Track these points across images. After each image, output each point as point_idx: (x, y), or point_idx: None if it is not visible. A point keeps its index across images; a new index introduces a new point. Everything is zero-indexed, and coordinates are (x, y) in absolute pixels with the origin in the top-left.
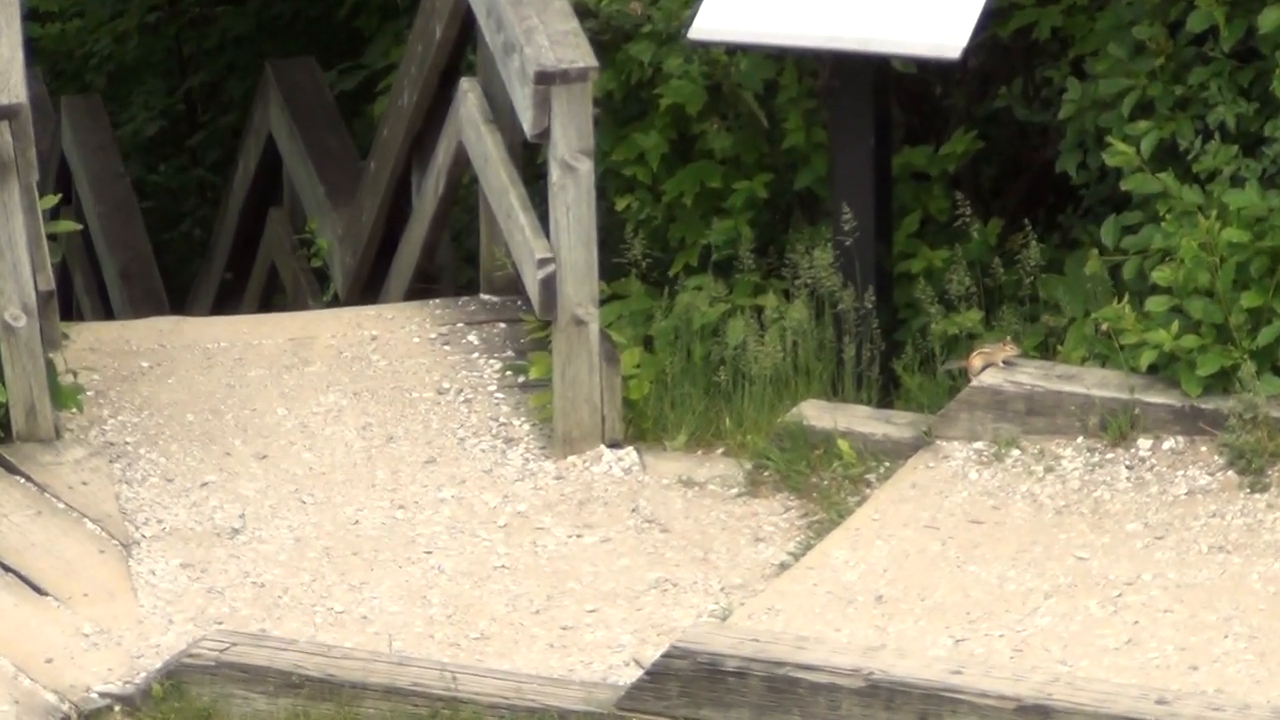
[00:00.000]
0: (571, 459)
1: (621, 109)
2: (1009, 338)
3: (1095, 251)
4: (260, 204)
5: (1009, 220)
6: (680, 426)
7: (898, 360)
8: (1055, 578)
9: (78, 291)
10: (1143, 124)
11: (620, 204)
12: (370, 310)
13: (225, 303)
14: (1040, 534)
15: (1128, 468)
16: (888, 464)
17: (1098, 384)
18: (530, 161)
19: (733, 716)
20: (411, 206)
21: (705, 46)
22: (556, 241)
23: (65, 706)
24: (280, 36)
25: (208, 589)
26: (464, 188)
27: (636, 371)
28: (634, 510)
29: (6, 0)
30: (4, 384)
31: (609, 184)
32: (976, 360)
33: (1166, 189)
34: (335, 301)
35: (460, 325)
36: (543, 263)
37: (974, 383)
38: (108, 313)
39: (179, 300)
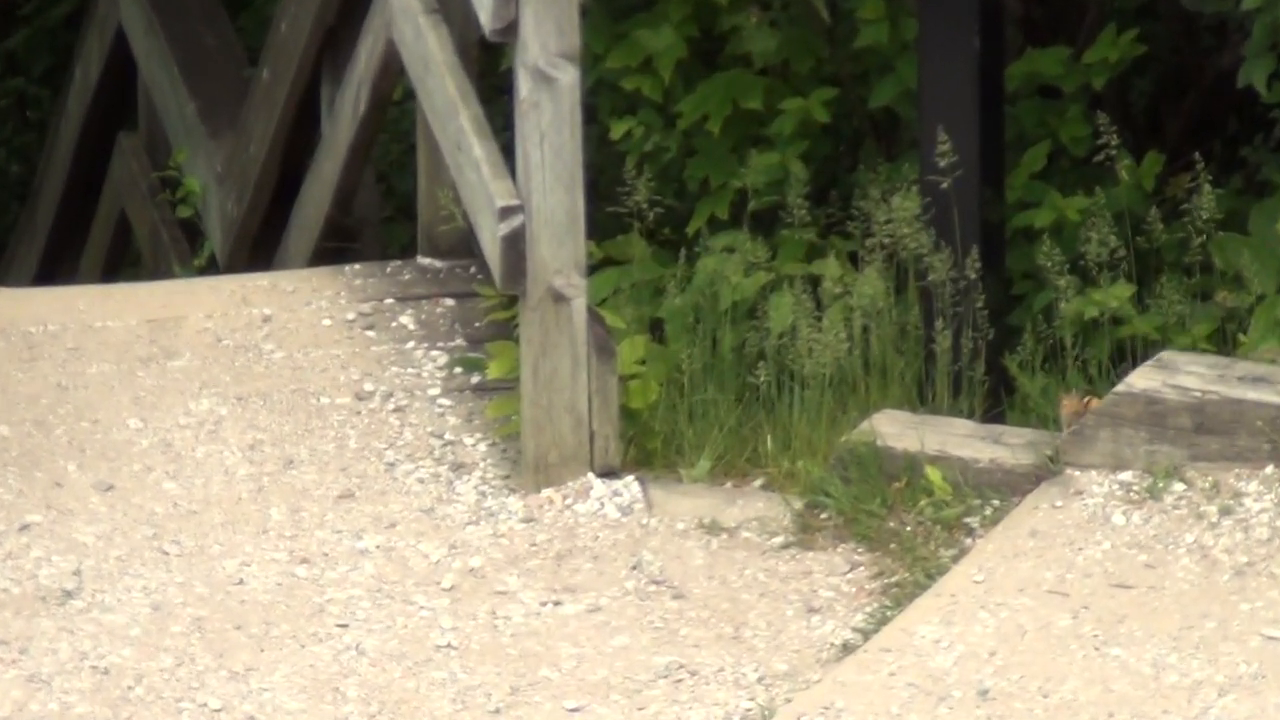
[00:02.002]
0: (547, 493)
1: None
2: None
3: None
4: (105, 128)
5: (1170, 155)
6: (702, 448)
7: (1011, 354)
8: (1234, 665)
9: None
10: None
11: (618, 130)
12: (262, 280)
13: (55, 268)
14: (1213, 603)
15: None
16: (997, 502)
17: None
18: (490, 69)
19: None
20: (320, 133)
21: None
22: (526, 183)
23: None
24: None
25: (28, 677)
26: (395, 106)
27: (640, 369)
28: (635, 567)
29: None
30: None
31: (602, 102)
32: (1068, 404)
33: None
34: (212, 267)
35: (389, 302)
36: (506, 213)
37: (1121, 387)
38: None
39: None
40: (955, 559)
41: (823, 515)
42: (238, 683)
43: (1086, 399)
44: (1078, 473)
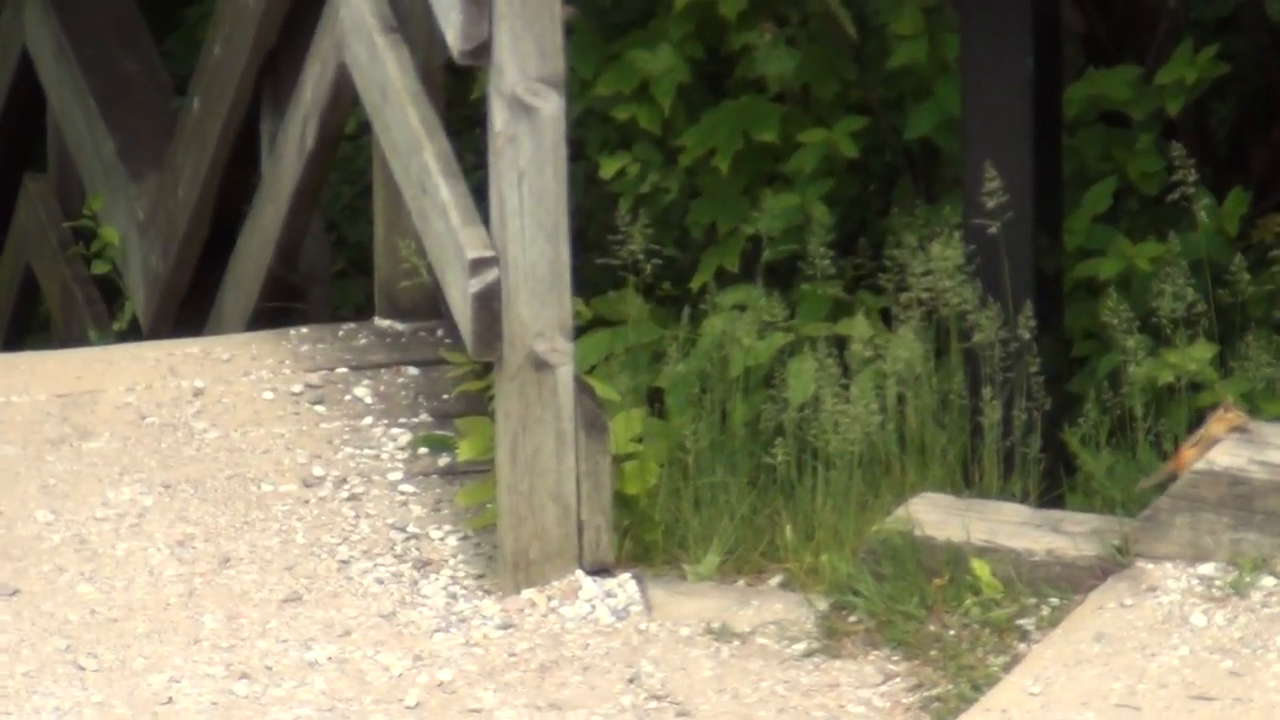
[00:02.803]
0: (528, 595)
1: (611, 8)
2: (1230, 399)
3: None
4: (8, 170)
5: (1258, 193)
6: (710, 540)
7: (1072, 427)
8: None
9: None
10: None
11: (609, 168)
12: (192, 347)
13: None
14: None
15: None
16: (1056, 601)
17: None
18: (460, 97)
19: None
20: (260, 173)
21: None
22: (502, 231)
23: None
24: None
25: None
26: (348, 142)
27: (637, 448)
28: (632, 680)
29: None
30: None
31: (590, 135)
32: (1188, 455)
33: None
34: (134, 332)
35: (342, 371)
36: (479, 266)
37: (1200, 465)
38: None
39: None
40: (1007, 667)
41: (851, 618)
42: None
43: (1228, 411)
44: (1150, 565)
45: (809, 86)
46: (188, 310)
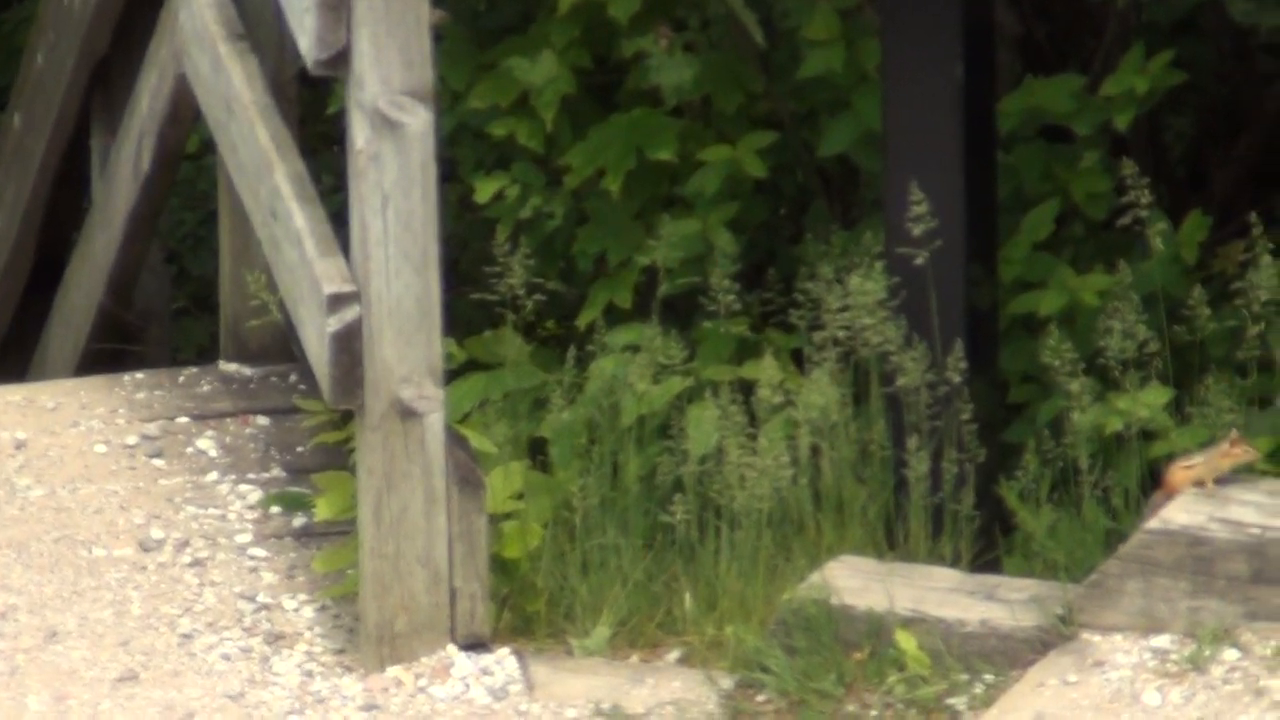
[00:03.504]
0: (394, 672)
1: (486, 11)
2: (1235, 432)
3: None
4: None
5: (1219, 217)
6: (599, 610)
7: (1009, 481)
8: None
9: None
10: None
11: (485, 191)
12: (14, 394)
13: None
14: None
15: None
16: (990, 677)
17: None
18: (315, 113)
19: None
20: (90, 198)
21: None
22: (364, 263)
23: None
24: None
25: None
26: (189, 162)
27: (517, 506)
28: None
29: None
30: None
31: (463, 154)
32: (1180, 476)
33: None
34: None
35: (183, 420)
36: (337, 302)
37: (1154, 522)
38: None
39: None
40: None
41: (760, 697)
42: None
43: (1235, 440)
44: (1098, 637)
45: (710, 98)
46: (9, 353)
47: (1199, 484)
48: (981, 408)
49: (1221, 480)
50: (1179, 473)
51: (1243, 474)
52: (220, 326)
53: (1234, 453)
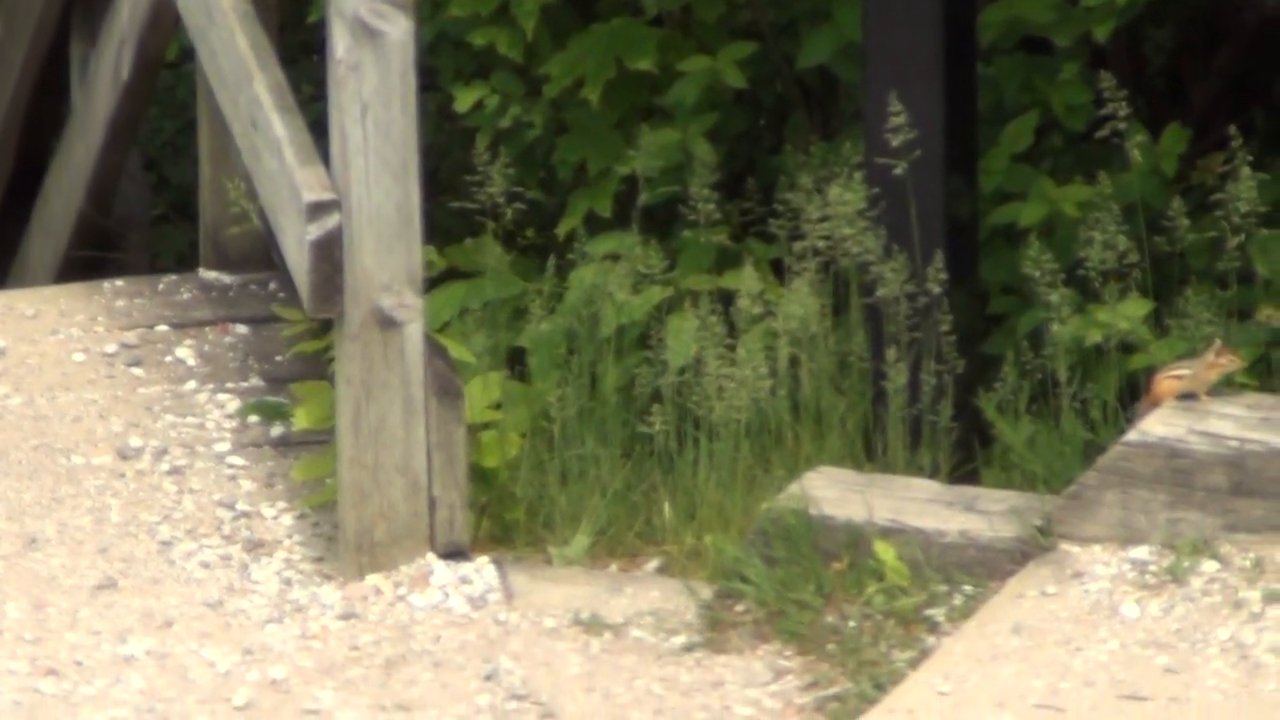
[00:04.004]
0: (373, 581)
1: None
2: (1219, 343)
3: None
4: None
5: (1198, 129)
6: (578, 519)
7: (988, 393)
8: None
9: None
10: None
11: (465, 100)
12: None
13: None
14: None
15: None
16: (969, 588)
17: None
18: (295, 21)
19: None
20: (70, 106)
21: None
22: (344, 172)
23: None
24: None
25: None
26: (169, 70)
27: (496, 416)
28: (489, 677)
29: None
30: None
31: (444, 63)
32: (1167, 386)
33: None
34: None
35: (163, 329)
36: (317, 210)
37: (1132, 434)
38: None
39: None
40: (913, 663)
41: (738, 607)
42: None
43: (1220, 350)
44: (1077, 548)
45: (690, 8)
46: None
47: (1189, 396)
48: (961, 319)
49: (1212, 392)
50: (1165, 382)
51: (1220, 387)
52: (200, 234)
53: (1220, 363)
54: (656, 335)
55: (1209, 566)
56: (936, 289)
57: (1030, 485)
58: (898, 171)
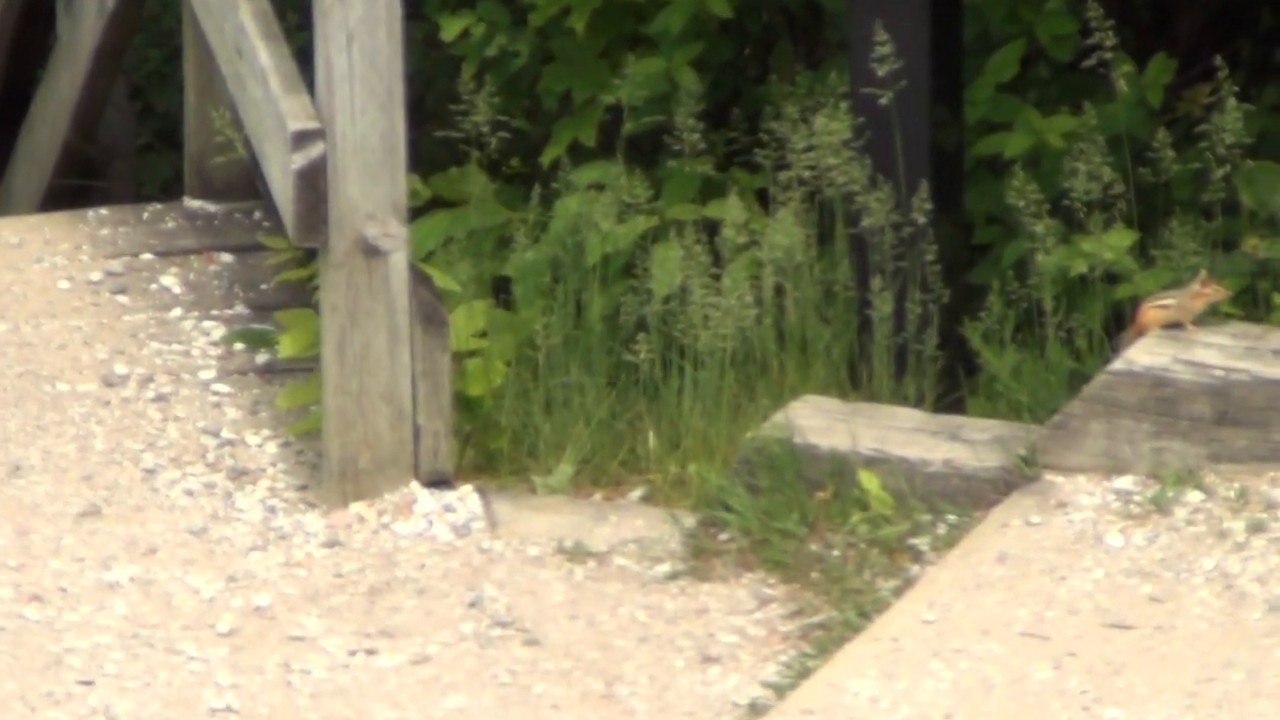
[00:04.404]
0: (356, 509)
1: None
2: (1204, 273)
3: None
4: None
5: (1184, 60)
6: (563, 448)
7: (973, 322)
8: None
9: None
10: None
11: (451, 29)
12: None
13: None
14: (1240, 648)
15: None
16: (953, 518)
17: None
18: None
19: None
20: (55, 35)
21: None
22: (329, 100)
23: None
24: None
25: None
26: None
27: (481, 345)
28: (474, 604)
29: None
30: None
31: None
32: (1152, 315)
33: None
34: None
35: (147, 257)
36: (302, 139)
37: (1117, 363)
38: None
39: None
40: (898, 592)
41: (722, 536)
42: None
43: (1205, 281)
44: (1061, 478)
45: None
46: None
47: (1176, 325)
48: (946, 249)
49: (1198, 321)
50: (1151, 312)
51: (1206, 317)
52: (185, 163)
53: (1205, 293)
54: (641, 264)
55: (1193, 496)
56: (921, 219)
57: (1015, 415)
58: (883, 101)
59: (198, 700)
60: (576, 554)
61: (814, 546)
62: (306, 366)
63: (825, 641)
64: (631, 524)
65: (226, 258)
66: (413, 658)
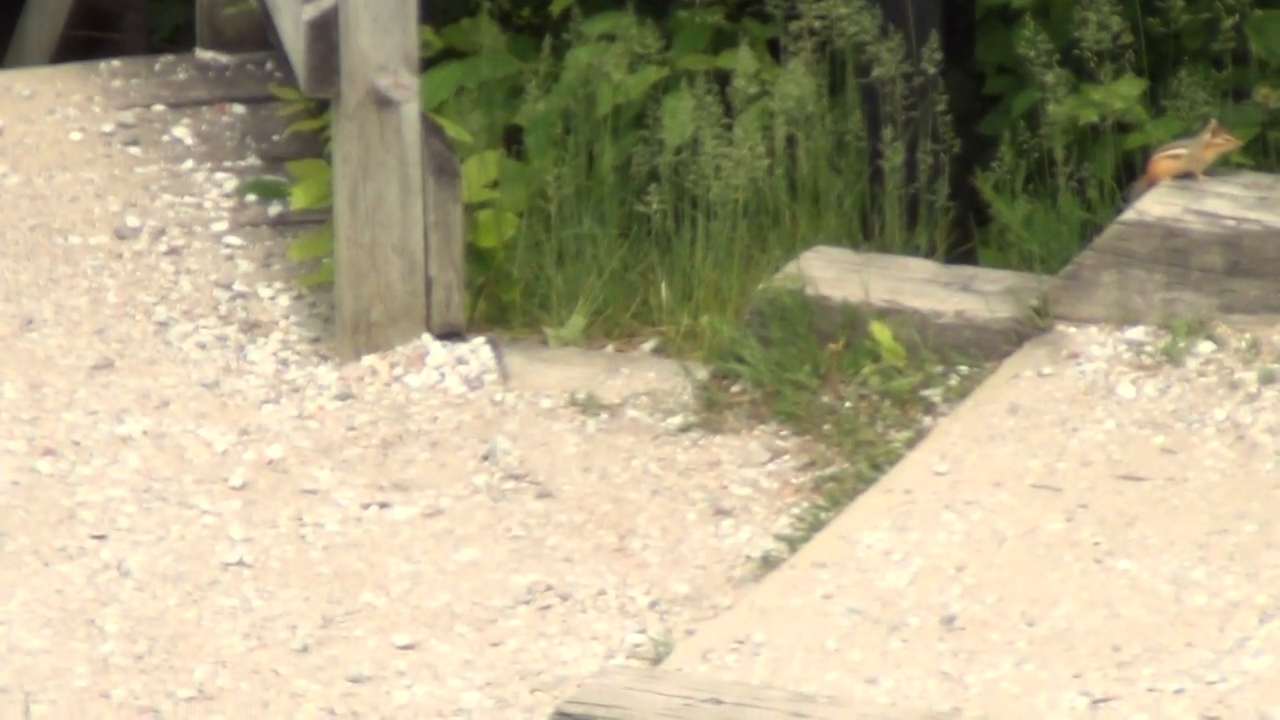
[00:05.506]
0: (369, 361)
1: None
2: (1215, 122)
3: None
4: None
5: None
6: (575, 299)
7: (985, 172)
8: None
9: None
10: None
11: None
12: None
13: None
14: (1252, 499)
15: None
16: (965, 369)
17: None
18: None
19: None
20: None
21: None
22: None
23: None
24: None
25: None
26: None
27: (493, 195)
28: (486, 457)
29: None
30: None
31: None
32: (1164, 165)
33: None
34: None
35: (159, 109)
36: None
37: (1129, 213)
38: None
39: None
40: (910, 444)
41: (734, 388)
42: None
43: (1216, 130)
44: (1073, 329)
45: None
46: None
47: (1187, 175)
48: (957, 99)
49: (1209, 172)
50: (1162, 162)
51: (1217, 167)
52: (196, 13)
53: (1216, 143)
54: (653, 115)
55: (1205, 347)
56: (932, 69)
57: (1026, 265)
58: None
59: (210, 554)
60: (589, 406)
61: (826, 398)
62: (319, 218)
63: (838, 494)
64: (644, 376)
65: (239, 109)
66: (425, 510)
